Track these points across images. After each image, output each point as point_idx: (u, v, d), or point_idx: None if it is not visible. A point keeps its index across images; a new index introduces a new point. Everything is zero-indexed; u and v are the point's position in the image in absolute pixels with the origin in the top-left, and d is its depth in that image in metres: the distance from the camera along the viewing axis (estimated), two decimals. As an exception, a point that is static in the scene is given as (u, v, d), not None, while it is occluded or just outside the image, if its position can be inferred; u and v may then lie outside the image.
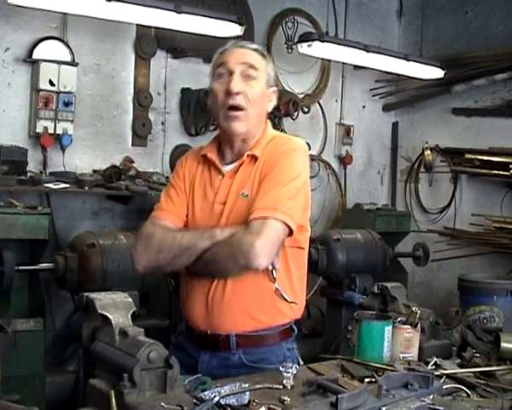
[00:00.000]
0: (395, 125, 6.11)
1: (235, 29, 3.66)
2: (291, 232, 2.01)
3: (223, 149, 2.18)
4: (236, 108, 2.06)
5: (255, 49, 2.14)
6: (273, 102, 2.20)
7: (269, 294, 2.06)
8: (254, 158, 2.11)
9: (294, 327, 2.19)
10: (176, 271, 2.26)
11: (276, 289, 2.04)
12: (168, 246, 2.02)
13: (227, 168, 2.15)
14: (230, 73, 2.07)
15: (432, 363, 2.06)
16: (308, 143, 2.28)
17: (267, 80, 2.14)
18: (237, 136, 2.11)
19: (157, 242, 2.05)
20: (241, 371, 2.02)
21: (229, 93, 2.05)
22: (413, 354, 2.11)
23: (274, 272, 2.01)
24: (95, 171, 4.27)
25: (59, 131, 4.07)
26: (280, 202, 1.98)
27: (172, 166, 4.67)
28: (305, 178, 2.10)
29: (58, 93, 4.04)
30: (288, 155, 2.07)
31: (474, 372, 2.06)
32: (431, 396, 1.75)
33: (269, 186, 2.02)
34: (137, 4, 3.26)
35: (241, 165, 2.12)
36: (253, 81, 2.08)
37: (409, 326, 2.11)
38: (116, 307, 1.62)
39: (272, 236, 1.95)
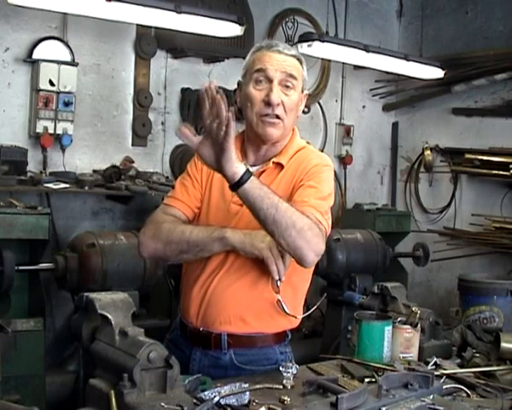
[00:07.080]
0: (395, 125, 6.11)
1: (235, 29, 3.66)
2: None
3: (246, 149, 2.14)
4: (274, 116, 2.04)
5: (293, 55, 2.10)
6: (303, 105, 2.17)
7: (267, 304, 2.04)
8: (280, 166, 2.09)
9: (288, 332, 2.17)
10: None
11: (278, 300, 2.02)
12: (176, 240, 2.00)
13: None
14: (269, 81, 2.03)
15: (432, 363, 2.06)
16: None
17: (302, 86, 2.12)
18: (270, 141, 2.08)
19: (166, 232, 2.02)
20: (232, 372, 2.02)
21: (268, 104, 2.02)
22: (413, 354, 2.11)
23: (279, 282, 1.99)
24: (95, 171, 4.27)
25: (59, 131, 4.07)
26: (322, 214, 1.96)
27: (173, 167, 4.69)
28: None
29: (58, 93, 4.05)
30: (324, 171, 2.06)
31: (474, 372, 2.06)
32: (431, 396, 1.75)
33: (311, 192, 1.99)
34: (137, 4, 3.26)
35: (264, 170, 2.09)
36: (291, 90, 2.06)
37: (409, 326, 2.11)
38: (116, 307, 1.62)
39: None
